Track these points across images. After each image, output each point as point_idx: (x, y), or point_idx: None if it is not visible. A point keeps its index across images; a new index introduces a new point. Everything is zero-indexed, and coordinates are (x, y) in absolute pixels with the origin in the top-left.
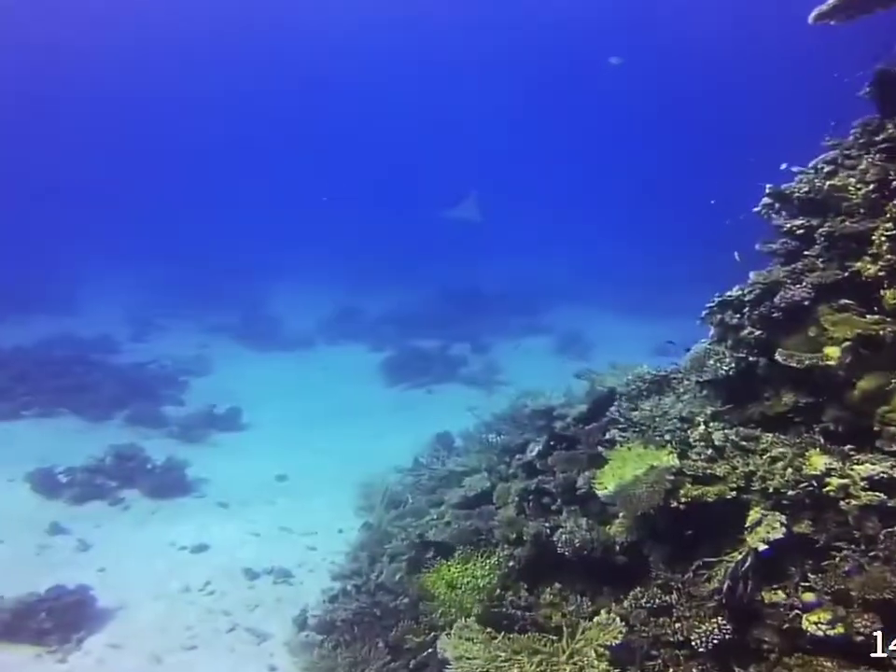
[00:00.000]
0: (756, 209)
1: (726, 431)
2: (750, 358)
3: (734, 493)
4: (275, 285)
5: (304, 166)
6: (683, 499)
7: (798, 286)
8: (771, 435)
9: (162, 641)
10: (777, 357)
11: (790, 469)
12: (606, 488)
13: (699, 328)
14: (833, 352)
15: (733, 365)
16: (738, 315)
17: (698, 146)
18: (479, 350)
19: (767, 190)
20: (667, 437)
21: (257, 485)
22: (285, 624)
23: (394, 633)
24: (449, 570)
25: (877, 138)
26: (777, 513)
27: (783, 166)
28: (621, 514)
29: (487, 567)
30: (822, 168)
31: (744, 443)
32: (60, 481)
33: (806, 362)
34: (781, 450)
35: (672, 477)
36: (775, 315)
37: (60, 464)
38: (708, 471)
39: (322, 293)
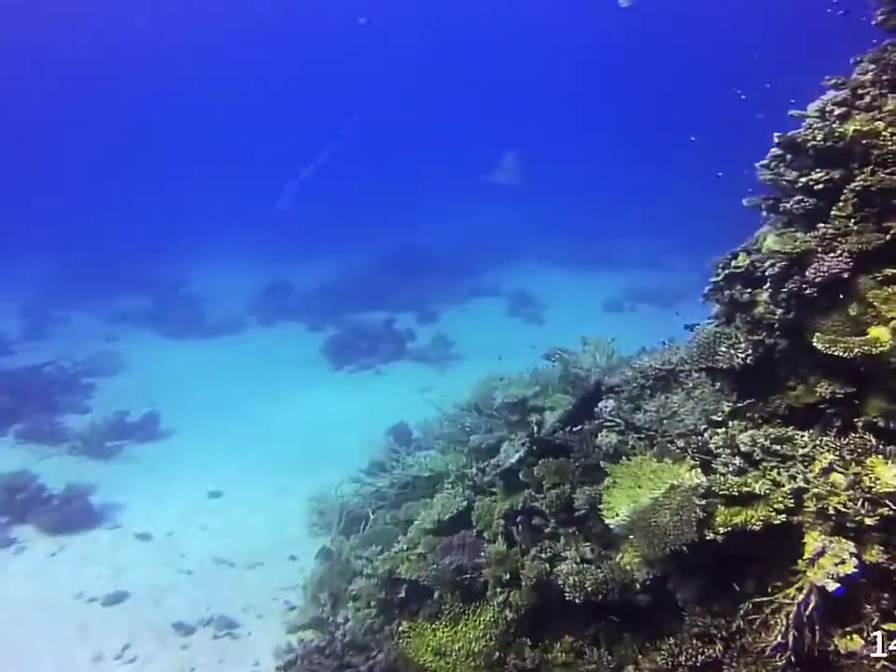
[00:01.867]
0: (762, 163)
1: (753, 432)
2: (769, 341)
3: (782, 516)
4: (193, 262)
5: (234, 134)
6: (721, 529)
7: (832, 255)
8: (807, 435)
9: None
10: (817, 344)
11: (851, 485)
12: (616, 514)
13: (652, 278)
14: (880, 334)
15: (749, 351)
16: (749, 291)
17: (658, 93)
18: (426, 320)
19: (777, 139)
20: (681, 443)
21: (185, 507)
22: None
23: None
24: (435, 635)
25: None
26: (844, 541)
27: (760, 115)
28: (640, 548)
29: (481, 626)
30: (832, 111)
31: (777, 447)
32: None
33: (856, 350)
34: (830, 457)
35: (702, 501)
36: (807, 292)
37: None
38: (744, 489)
39: (248, 267)
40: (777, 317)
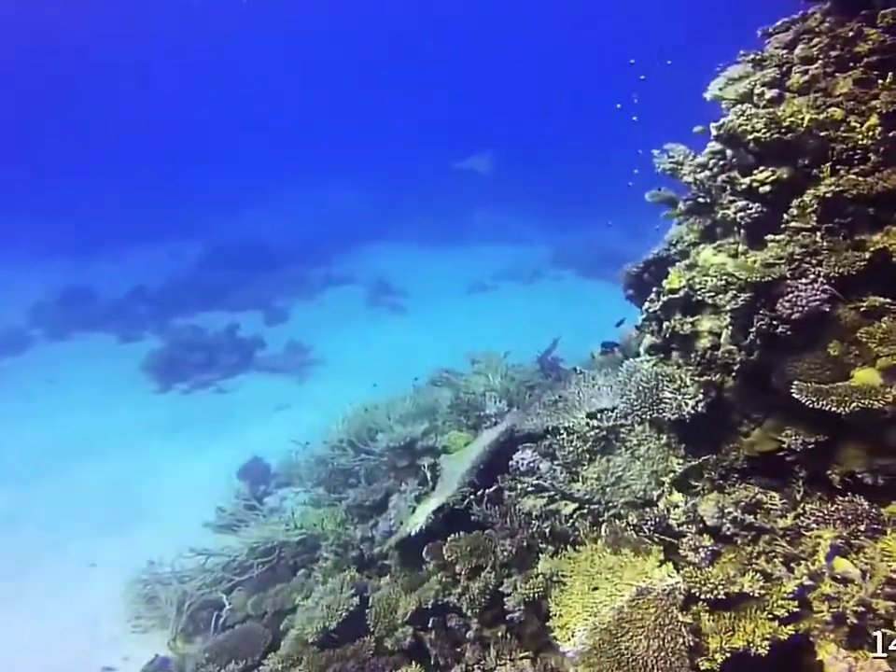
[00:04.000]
0: (699, 161)
1: (717, 499)
2: (720, 379)
3: (789, 629)
4: None
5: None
6: (718, 657)
7: (807, 283)
8: (777, 499)
9: None
10: (798, 395)
11: (866, 575)
12: (571, 635)
13: (511, 253)
14: (871, 379)
15: (700, 397)
16: (691, 321)
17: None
18: (275, 320)
19: (715, 131)
20: (633, 518)
21: None
22: None
23: None
24: None
25: (859, 49)
26: (872, 658)
27: (634, 118)
28: None
29: None
30: (762, 93)
31: (749, 518)
32: None
33: (854, 405)
34: (821, 533)
35: (686, 616)
36: (780, 330)
37: None
38: (732, 588)
39: (33, 271)
40: (737, 359)
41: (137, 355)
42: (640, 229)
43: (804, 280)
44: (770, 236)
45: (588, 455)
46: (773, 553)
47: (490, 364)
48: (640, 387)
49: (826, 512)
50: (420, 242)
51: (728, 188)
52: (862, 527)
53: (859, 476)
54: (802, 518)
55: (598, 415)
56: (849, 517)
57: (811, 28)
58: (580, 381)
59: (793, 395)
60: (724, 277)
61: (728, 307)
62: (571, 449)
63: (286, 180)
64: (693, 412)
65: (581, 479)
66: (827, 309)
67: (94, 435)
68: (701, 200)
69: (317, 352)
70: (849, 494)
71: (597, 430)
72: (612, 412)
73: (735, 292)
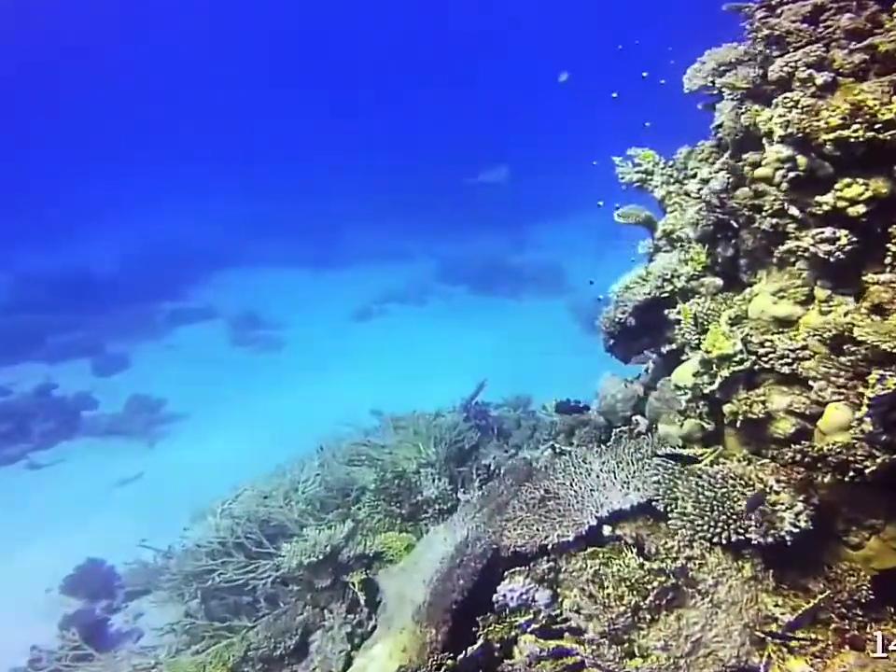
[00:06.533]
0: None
1: (863, 665)
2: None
3: None
4: None
5: None
6: None
7: None
8: None
9: None
10: None
11: None
12: None
13: (392, 271)
14: None
15: (800, 507)
16: (762, 399)
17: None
18: (109, 370)
19: (780, 130)
20: None
21: None
22: None
23: None
24: None
25: None
26: None
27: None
28: None
29: None
30: (809, 77)
31: None
32: None
33: None
34: None
35: None
36: None
37: None
38: None
39: None
40: (870, 463)
41: None
42: (523, 237)
43: None
44: (873, 276)
45: (649, 616)
46: None
47: (418, 430)
48: (701, 497)
49: None
50: (288, 264)
51: (774, 206)
52: None
53: None
54: None
55: (659, 552)
56: None
57: None
58: (566, 465)
59: None
60: (812, 338)
61: (872, 392)
62: (623, 609)
63: (115, 198)
64: (793, 528)
65: (638, 650)
66: None
67: None
68: (718, 223)
69: (172, 406)
70: None
71: (663, 579)
72: (674, 540)
73: (879, 372)
